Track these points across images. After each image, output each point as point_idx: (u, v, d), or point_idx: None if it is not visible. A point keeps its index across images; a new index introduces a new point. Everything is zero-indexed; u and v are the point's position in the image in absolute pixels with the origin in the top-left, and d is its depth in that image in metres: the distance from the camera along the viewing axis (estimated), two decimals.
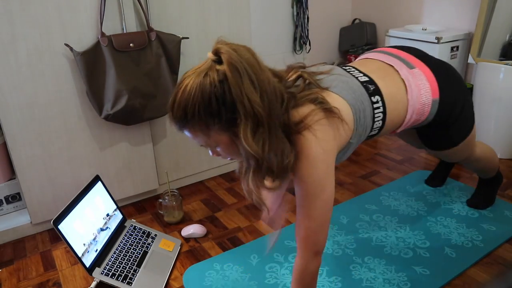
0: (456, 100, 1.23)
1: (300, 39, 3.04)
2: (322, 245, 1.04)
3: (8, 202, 1.74)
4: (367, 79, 1.11)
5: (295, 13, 2.97)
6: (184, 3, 1.75)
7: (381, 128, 1.13)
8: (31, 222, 1.68)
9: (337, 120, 0.97)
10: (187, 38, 1.77)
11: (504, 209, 1.71)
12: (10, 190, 1.73)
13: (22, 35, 1.44)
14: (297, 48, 3.07)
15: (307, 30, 2.99)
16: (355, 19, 3.18)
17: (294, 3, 2.95)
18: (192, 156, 2.01)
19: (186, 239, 1.64)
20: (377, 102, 1.08)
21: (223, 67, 0.85)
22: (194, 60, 1.85)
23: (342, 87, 1.05)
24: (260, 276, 1.41)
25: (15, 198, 1.75)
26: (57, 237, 1.67)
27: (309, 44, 3.08)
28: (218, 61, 0.87)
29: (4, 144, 1.67)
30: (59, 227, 1.30)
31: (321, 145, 0.94)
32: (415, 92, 1.15)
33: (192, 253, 1.57)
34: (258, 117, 0.86)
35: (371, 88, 1.09)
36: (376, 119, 1.09)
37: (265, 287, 1.36)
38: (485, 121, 2.13)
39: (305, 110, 0.95)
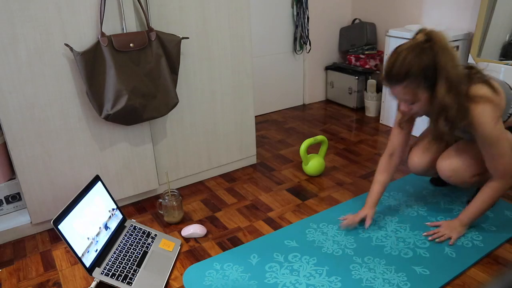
0: None
1: (300, 39, 3.04)
2: None
3: (8, 202, 1.74)
4: (503, 81, 1.51)
5: (295, 13, 2.97)
6: (184, 3, 1.75)
7: (509, 115, 1.47)
8: (31, 222, 1.68)
9: (500, 92, 1.37)
10: (187, 38, 1.77)
11: (504, 209, 1.71)
12: (10, 190, 1.73)
13: (22, 35, 1.44)
14: (297, 48, 3.07)
15: (307, 30, 3.00)
16: (355, 19, 3.18)
17: (294, 3, 2.95)
18: (192, 156, 2.01)
19: (186, 239, 1.64)
20: None
21: (434, 46, 1.25)
22: (194, 60, 1.85)
23: (493, 78, 1.41)
24: (260, 276, 1.41)
25: (15, 198, 1.75)
26: (57, 237, 1.67)
27: (309, 44, 3.09)
28: (428, 40, 1.26)
29: (4, 144, 1.67)
30: (59, 227, 1.30)
31: (488, 107, 1.32)
32: None
33: (192, 253, 1.57)
34: (453, 82, 1.26)
35: (509, 85, 1.49)
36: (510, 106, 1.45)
37: (265, 287, 1.36)
38: None
39: (479, 87, 1.34)
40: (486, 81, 1.36)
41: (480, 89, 1.33)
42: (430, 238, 1.53)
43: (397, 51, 1.30)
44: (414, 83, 1.27)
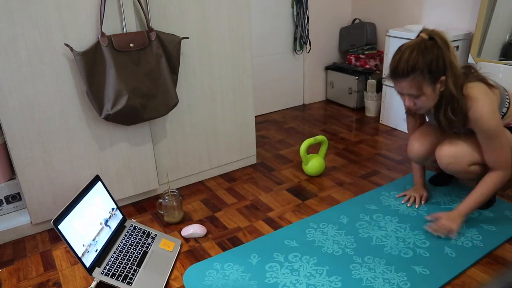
0: None
1: (300, 39, 3.04)
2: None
3: (8, 202, 1.74)
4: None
5: (295, 13, 2.97)
6: (184, 3, 1.75)
7: (505, 113, 1.53)
8: (31, 222, 1.68)
9: (495, 89, 1.47)
10: (187, 38, 1.77)
11: (504, 209, 1.71)
12: (10, 190, 1.73)
13: (22, 35, 1.44)
14: (297, 48, 3.07)
15: (307, 30, 3.00)
16: (355, 19, 3.18)
17: (294, 3, 2.95)
18: (192, 156, 2.01)
19: (186, 239, 1.64)
20: (506, 94, 1.54)
21: (438, 43, 1.35)
22: (194, 60, 1.85)
23: (488, 77, 1.49)
24: (260, 276, 1.41)
25: (15, 198, 1.75)
26: (57, 237, 1.67)
27: (309, 44, 3.09)
28: (430, 39, 1.36)
29: (4, 144, 1.67)
30: (59, 227, 1.30)
31: (486, 102, 1.40)
32: None
33: (192, 253, 1.57)
34: (457, 75, 1.38)
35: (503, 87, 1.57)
36: (504, 104, 1.52)
37: (265, 287, 1.36)
38: None
39: (476, 84, 1.43)
40: (482, 79, 1.45)
41: (476, 86, 1.42)
42: (431, 229, 1.55)
43: (401, 49, 1.38)
44: (419, 77, 1.35)
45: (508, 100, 1.53)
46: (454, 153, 1.54)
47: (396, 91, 1.46)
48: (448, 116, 1.44)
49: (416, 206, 1.76)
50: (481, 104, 1.39)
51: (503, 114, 1.52)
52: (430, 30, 1.38)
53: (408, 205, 1.78)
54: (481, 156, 1.52)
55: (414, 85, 1.38)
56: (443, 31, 1.39)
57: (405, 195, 1.83)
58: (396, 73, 1.38)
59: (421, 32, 1.40)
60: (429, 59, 1.34)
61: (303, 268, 1.43)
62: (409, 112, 1.70)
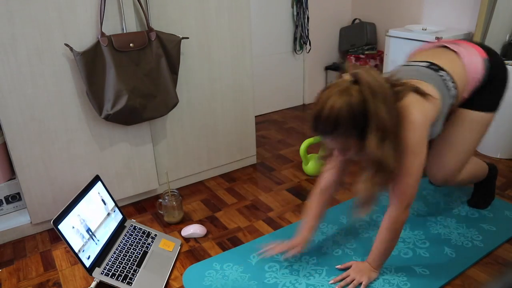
0: (500, 65, 1.43)
1: (300, 39, 3.04)
2: (413, 199, 1.24)
3: (8, 202, 1.74)
4: (427, 63, 1.34)
5: (295, 13, 2.97)
6: (184, 3, 1.75)
7: (456, 95, 1.34)
8: (31, 222, 1.68)
9: (431, 99, 1.20)
10: (187, 38, 1.77)
11: (504, 209, 1.71)
12: (10, 190, 1.73)
13: (22, 35, 1.44)
14: (297, 48, 3.07)
15: (307, 30, 3.00)
16: (355, 19, 3.18)
17: (294, 3, 2.95)
18: (192, 156, 2.01)
19: (186, 239, 1.64)
20: (444, 75, 1.31)
21: (363, 89, 1.06)
22: (194, 60, 1.85)
23: (417, 75, 1.28)
24: (259, 276, 1.41)
25: (15, 198, 1.75)
26: (57, 237, 1.67)
27: (309, 44, 3.09)
28: (355, 82, 1.08)
29: (4, 144, 1.67)
30: (59, 227, 1.30)
31: (421, 113, 1.17)
32: (467, 57, 1.37)
33: (192, 253, 1.57)
34: (386, 130, 1.08)
35: (435, 68, 1.32)
36: (450, 88, 1.31)
37: (265, 287, 1.36)
38: None
39: (408, 99, 1.17)
40: (414, 89, 1.19)
41: (410, 103, 1.17)
42: (337, 287, 1.33)
43: (323, 96, 1.10)
44: (343, 134, 1.11)
45: (453, 83, 1.31)
46: (446, 178, 1.51)
47: None
48: (377, 183, 1.16)
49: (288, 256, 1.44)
50: (413, 120, 1.16)
51: (453, 96, 1.32)
52: (354, 72, 1.09)
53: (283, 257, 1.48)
54: (465, 157, 1.47)
55: (339, 142, 1.15)
56: (370, 70, 1.10)
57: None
58: (317, 129, 1.13)
59: (344, 72, 1.13)
60: (354, 112, 1.06)
61: (303, 268, 1.43)
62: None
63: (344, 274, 1.37)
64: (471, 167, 1.56)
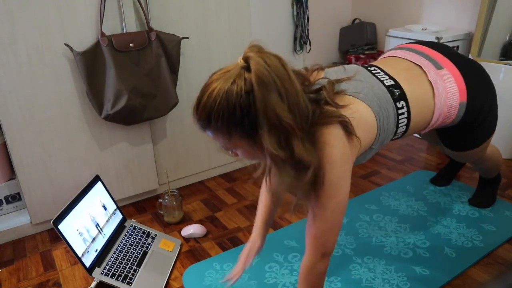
0: (484, 102, 1.22)
1: (300, 39, 3.04)
2: (331, 248, 1.03)
3: (8, 202, 1.74)
4: (393, 82, 1.10)
5: (295, 13, 2.97)
6: (184, 3, 1.75)
7: (404, 132, 1.13)
8: (31, 222, 1.68)
9: (355, 142, 0.98)
10: (187, 38, 1.77)
11: (504, 209, 1.71)
12: (10, 190, 1.73)
13: (22, 35, 1.44)
14: (297, 48, 3.07)
15: (307, 30, 2.99)
16: (355, 19, 3.18)
17: (294, 3, 2.95)
18: (192, 156, 2.01)
19: (186, 239, 1.64)
20: (402, 107, 1.08)
21: (251, 77, 0.83)
22: (194, 60, 1.85)
23: (367, 94, 1.04)
24: (259, 276, 1.41)
25: (15, 198, 1.75)
26: (57, 237, 1.67)
27: (309, 44, 3.08)
28: (247, 68, 0.85)
29: (4, 144, 1.67)
30: (59, 227, 1.30)
31: (340, 150, 0.96)
32: (442, 96, 1.14)
33: (192, 253, 1.57)
34: (287, 129, 0.85)
35: (397, 93, 1.08)
36: (400, 125, 1.10)
37: (265, 287, 1.36)
38: None
39: (331, 130, 0.95)
40: (343, 125, 0.95)
41: (330, 136, 0.95)
42: None
43: (210, 80, 0.90)
44: (219, 129, 0.89)
45: (404, 115, 1.09)
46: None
47: None
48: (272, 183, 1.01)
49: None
50: (326, 152, 0.94)
51: (401, 133, 1.13)
52: (249, 55, 0.84)
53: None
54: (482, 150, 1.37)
55: (219, 137, 0.92)
56: (271, 57, 0.85)
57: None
58: (197, 119, 0.94)
59: (244, 54, 0.87)
60: (234, 105, 0.84)
61: None
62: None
63: None
64: (491, 150, 1.52)
